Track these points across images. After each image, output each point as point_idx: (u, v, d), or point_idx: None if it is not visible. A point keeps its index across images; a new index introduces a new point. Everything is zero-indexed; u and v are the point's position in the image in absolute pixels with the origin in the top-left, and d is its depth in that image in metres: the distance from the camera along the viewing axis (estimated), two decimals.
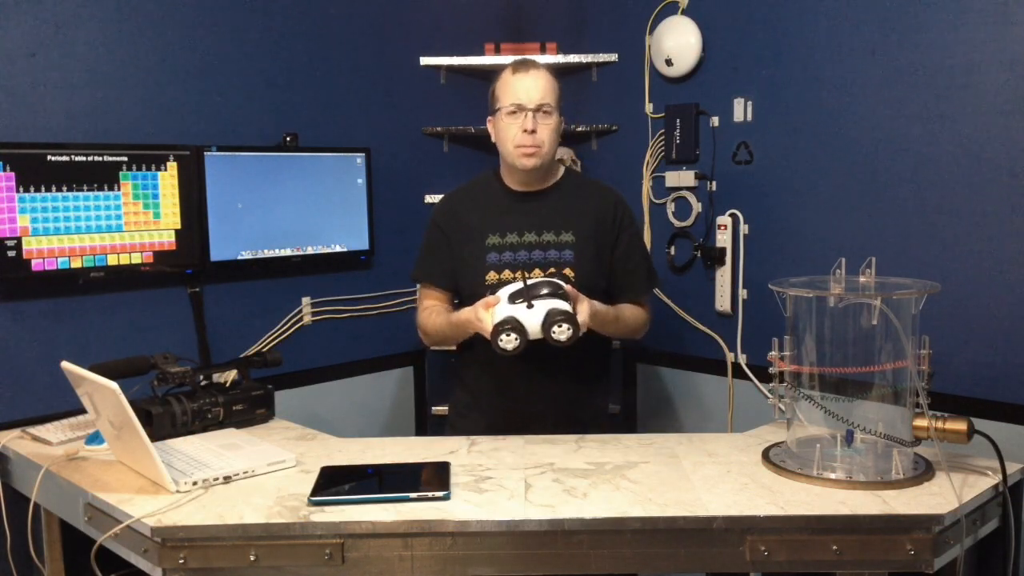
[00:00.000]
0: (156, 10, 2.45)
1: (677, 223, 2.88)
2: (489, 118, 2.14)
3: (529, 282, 1.89)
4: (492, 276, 2.08)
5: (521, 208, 2.13)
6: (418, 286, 2.23)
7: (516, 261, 2.08)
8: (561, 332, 1.84)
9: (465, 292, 2.12)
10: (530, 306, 1.86)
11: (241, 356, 2.54)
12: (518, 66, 2.09)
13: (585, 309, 1.91)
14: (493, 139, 2.14)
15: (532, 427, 2.05)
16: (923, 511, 1.54)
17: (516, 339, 1.85)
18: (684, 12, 2.78)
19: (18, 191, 2.19)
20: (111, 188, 2.33)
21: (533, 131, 2.03)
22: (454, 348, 2.23)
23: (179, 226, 2.45)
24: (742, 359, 2.71)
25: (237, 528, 1.54)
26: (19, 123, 2.24)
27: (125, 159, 2.34)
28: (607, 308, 2.04)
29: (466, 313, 1.98)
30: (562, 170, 2.21)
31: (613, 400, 3.07)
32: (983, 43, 2.18)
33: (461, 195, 2.23)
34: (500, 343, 1.85)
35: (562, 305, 1.87)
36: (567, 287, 1.92)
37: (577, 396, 2.15)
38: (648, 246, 2.93)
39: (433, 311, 2.14)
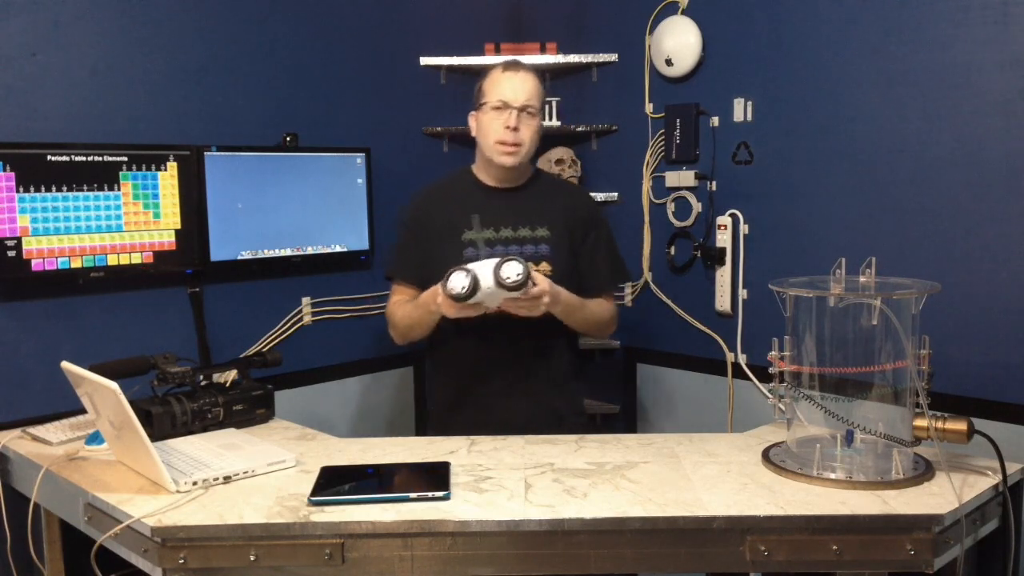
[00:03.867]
0: (156, 10, 2.45)
1: (677, 223, 2.88)
2: (472, 113, 2.18)
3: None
4: None
5: (496, 203, 2.17)
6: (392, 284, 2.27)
7: (494, 255, 2.09)
8: (511, 269, 1.85)
9: None
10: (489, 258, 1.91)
11: (241, 356, 2.54)
12: (508, 65, 2.15)
13: (543, 279, 1.94)
14: (473, 133, 2.18)
15: (505, 426, 2.06)
16: (923, 511, 1.54)
17: (465, 276, 1.86)
18: (684, 12, 2.79)
19: (18, 191, 2.19)
20: (111, 188, 2.33)
21: (516, 128, 2.08)
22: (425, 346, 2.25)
23: (179, 226, 2.45)
24: (742, 359, 2.71)
25: (237, 528, 1.54)
26: (19, 123, 2.24)
27: (125, 159, 2.34)
28: (572, 296, 2.07)
29: (429, 291, 2.02)
30: (532, 169, 2.26)
31: (613, 400, 3.08)
32: (983, 43, 2.18)
33: (433, 192, 2.27)
34: (449, 281, 1.87)
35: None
36: (534, 272, 1.95)
37: (547, 394, 2.17)
38: (648, 246, 2.94)
39: (401, 303, 2.19)
